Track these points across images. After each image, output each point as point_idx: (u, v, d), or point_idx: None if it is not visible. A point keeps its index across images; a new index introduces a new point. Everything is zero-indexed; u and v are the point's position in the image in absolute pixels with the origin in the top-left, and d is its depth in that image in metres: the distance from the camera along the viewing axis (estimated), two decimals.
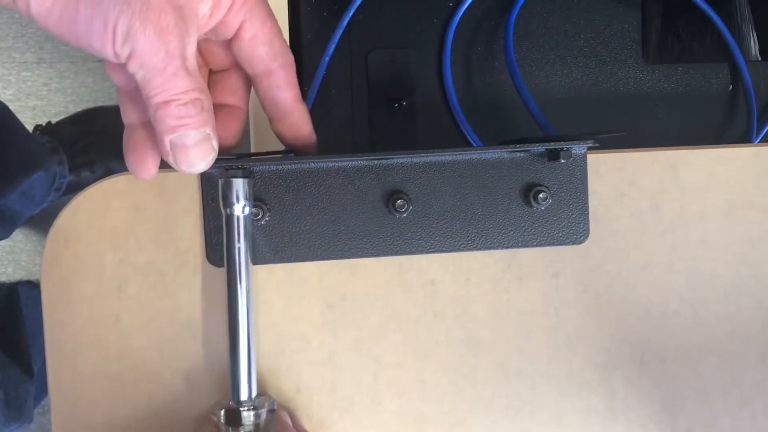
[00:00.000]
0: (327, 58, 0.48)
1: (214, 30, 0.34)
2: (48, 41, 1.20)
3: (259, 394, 0.38)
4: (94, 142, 1.10)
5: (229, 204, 0.36)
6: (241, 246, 0.36)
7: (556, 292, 0.41)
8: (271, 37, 0.35)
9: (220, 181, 0.37)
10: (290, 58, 0.36)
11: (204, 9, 0.32)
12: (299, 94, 0.37)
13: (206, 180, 0.39)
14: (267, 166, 0.39)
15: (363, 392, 0.40)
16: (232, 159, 0.36)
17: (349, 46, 0.50)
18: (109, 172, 1.08)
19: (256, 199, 0.39)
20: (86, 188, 0.38)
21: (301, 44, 0.50)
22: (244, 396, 0.37)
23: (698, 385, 0.42)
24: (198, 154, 0.32)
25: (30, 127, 1.11)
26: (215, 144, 0.33)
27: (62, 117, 1.16)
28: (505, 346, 0.41)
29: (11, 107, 0.95)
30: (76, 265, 0.39)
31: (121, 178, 0.39)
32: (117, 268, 0.39)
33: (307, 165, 0.39)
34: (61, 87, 1.21)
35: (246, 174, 0.36)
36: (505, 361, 0.41)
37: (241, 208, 0.36)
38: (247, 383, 0.37)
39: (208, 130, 0.32)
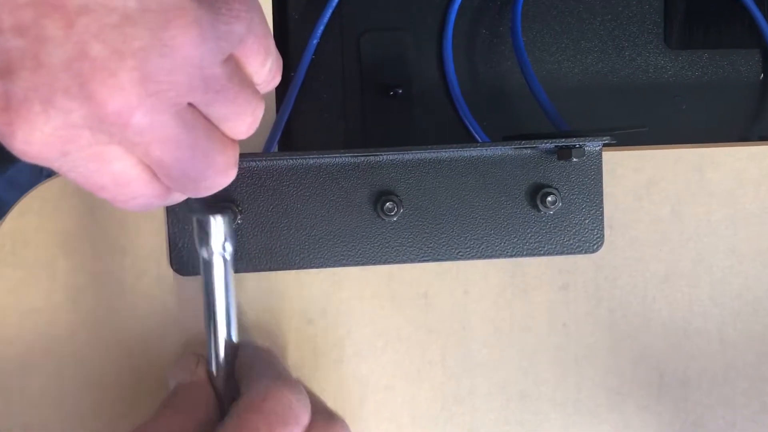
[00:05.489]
0: (315, 41, 0.46)
1: None
2: None
3: None
4: None
5: (205, 244, 0.32)
6: (229, 294, 0.33)
7: (565, 307, 0.39)
8: None
9: (194, 220, 0.33)
10: None
11: None
12: None
13: None
14: (239, 163, 0.35)
15: (347, 417, 0.38)
16: None
17: (340, 27, 0.48)
18: None
19: (227, 199, 0.36)
20: (34, 187, 0.35)
21: (287, 24, 0.48)
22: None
23: (724, 412, 0.40)
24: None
25: None
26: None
27: None
28: (506, 367, 0.39)
29: None
30: (24, 273, 0.36)
31: None
32: (70, 277, 0.36)
33: (285, 161, 0.37)
34: None
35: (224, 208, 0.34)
36: (507, 384, 0.39)
37: (221, 246, 0.32)
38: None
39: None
